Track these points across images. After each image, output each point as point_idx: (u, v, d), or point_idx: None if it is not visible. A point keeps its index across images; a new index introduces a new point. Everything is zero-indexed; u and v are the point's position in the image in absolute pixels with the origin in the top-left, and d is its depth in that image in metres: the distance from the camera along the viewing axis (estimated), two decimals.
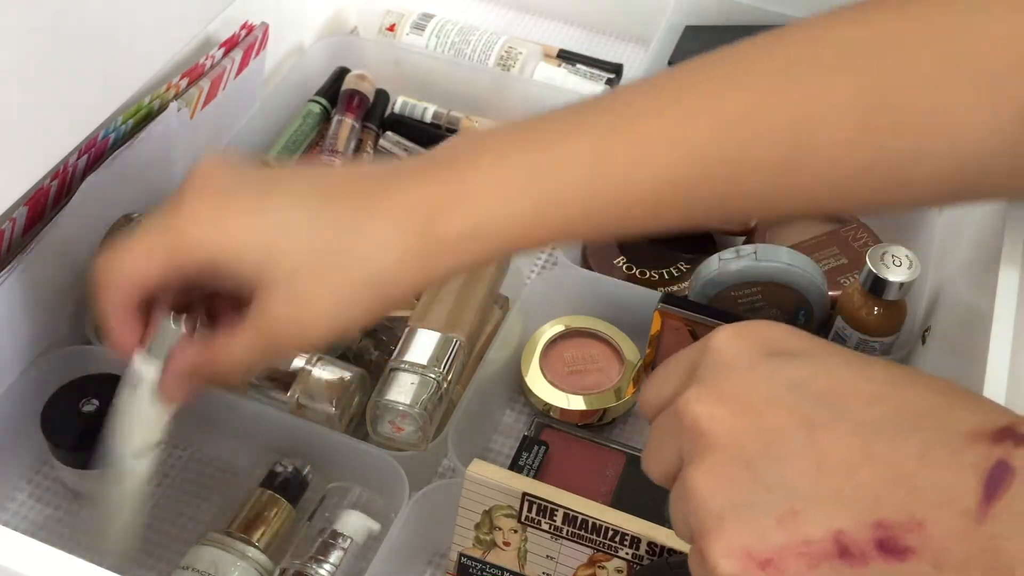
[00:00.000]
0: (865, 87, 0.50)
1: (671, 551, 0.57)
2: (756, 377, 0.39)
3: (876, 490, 0.35)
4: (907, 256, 0.72)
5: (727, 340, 0.40)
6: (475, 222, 0.51)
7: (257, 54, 0.85)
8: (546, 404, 0.75)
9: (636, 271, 0.83)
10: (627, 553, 0.58)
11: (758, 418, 0.37)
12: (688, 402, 0.39)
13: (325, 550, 0.64)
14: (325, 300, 0.51)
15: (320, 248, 0.51)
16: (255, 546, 0.65)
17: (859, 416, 0.37)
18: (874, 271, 0.72)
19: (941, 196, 0.59)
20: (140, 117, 0.75)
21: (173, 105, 0.75)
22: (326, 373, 0.70)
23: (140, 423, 0.56)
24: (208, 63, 0.80)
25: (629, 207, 0.52)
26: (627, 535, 0.58)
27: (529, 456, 0.71)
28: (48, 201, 0.70)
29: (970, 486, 0.34)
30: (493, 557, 0.61)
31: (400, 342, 0.70)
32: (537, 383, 0.76)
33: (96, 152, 0.72)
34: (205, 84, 0.79)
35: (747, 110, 0.51)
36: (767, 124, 0.51)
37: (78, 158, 0.71)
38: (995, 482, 0.34)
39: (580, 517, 0.58)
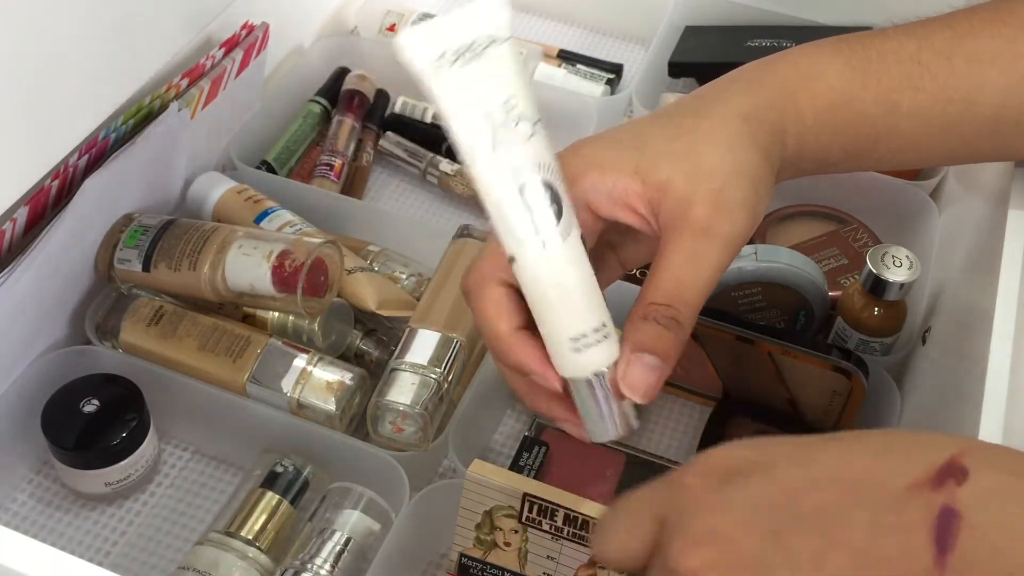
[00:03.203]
0: None
1: None
2: (720, 508, 0.39)
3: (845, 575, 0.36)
4: (907, 256, 0.72)
5: (690, 481, 0.40)
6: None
7: (257, 54, 0.85)
8: None
9: (636, 271, 0.83)
10: None
11: (737, 547, 0.38)
12: (678, 562, 0.38)
13: (325, 550, 0.64)
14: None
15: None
16: (255, 546, 0.65)
17: (809, 507, 0.37)
18: (874, 271, 0.72)
19: None
20: (140, 117, 0.75)
21: (173, 105, 0.75)
22: (326, 373, 0.70)
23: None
24: (209, 63, 0.80)
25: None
26: None
27: (529, 456, 0.71)
28: (48, 201, 0.70)
29: (922, 544, 0.35)
30: (494, 557, 0.61)
31: (400, 342, 0.70)
32: None
33: (96, 152, 0.72)
34: (205, 84, 0.79)
35: None
36: None
37: (78, 158, 0.71)
38: (944, 533, 0.34)
39: (581, 518, 0.58)
